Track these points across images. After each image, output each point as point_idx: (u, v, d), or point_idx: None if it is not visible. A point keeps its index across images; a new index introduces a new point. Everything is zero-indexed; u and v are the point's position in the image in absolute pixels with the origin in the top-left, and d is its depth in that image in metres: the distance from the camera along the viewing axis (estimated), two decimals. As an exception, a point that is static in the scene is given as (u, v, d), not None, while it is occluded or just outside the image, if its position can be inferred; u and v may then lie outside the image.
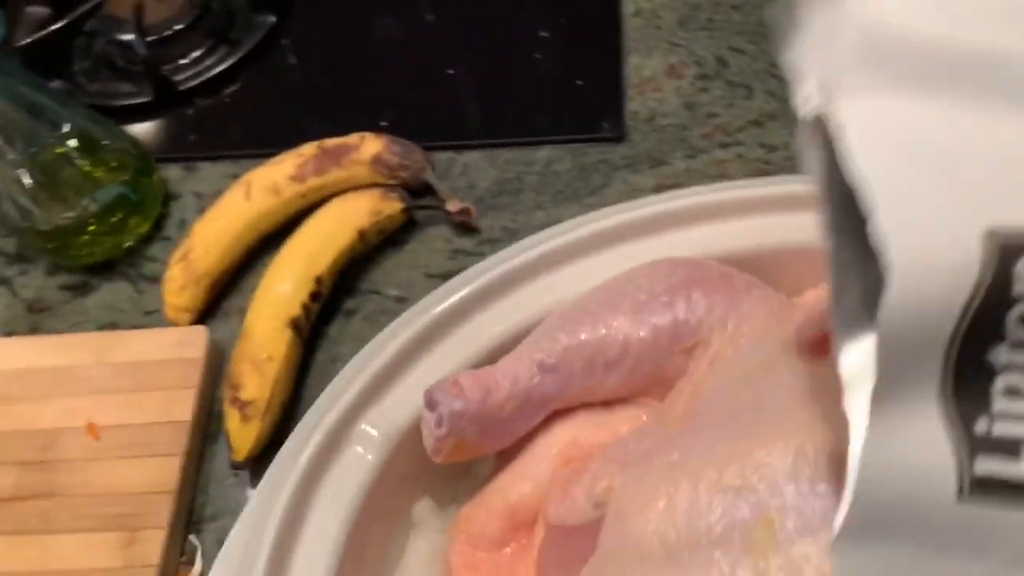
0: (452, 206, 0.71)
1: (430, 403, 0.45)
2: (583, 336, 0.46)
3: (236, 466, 0.63)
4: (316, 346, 0.68)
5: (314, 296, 0.67)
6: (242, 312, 0.68)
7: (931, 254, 0.23)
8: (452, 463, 0.49)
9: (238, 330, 0.67)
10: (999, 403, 0.24)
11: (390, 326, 0.51)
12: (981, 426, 0.24)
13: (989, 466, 0.24)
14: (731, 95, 0.75)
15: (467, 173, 0.75)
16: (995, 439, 0.24)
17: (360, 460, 0.45)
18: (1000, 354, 0.23)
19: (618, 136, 0.73)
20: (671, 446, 0.41)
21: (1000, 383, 0.24)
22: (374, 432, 0.47)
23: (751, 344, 0.44)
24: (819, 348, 0.42)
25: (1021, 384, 0.23)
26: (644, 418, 0.46)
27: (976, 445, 0.24)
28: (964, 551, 0.24)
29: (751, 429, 0.39)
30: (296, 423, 0.54)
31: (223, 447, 0.64)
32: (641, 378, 0.46)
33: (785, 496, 0.37)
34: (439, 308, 0.49)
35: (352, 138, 0.73)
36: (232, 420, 0.63)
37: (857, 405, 0.25)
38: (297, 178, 0.72)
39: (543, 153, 0.74)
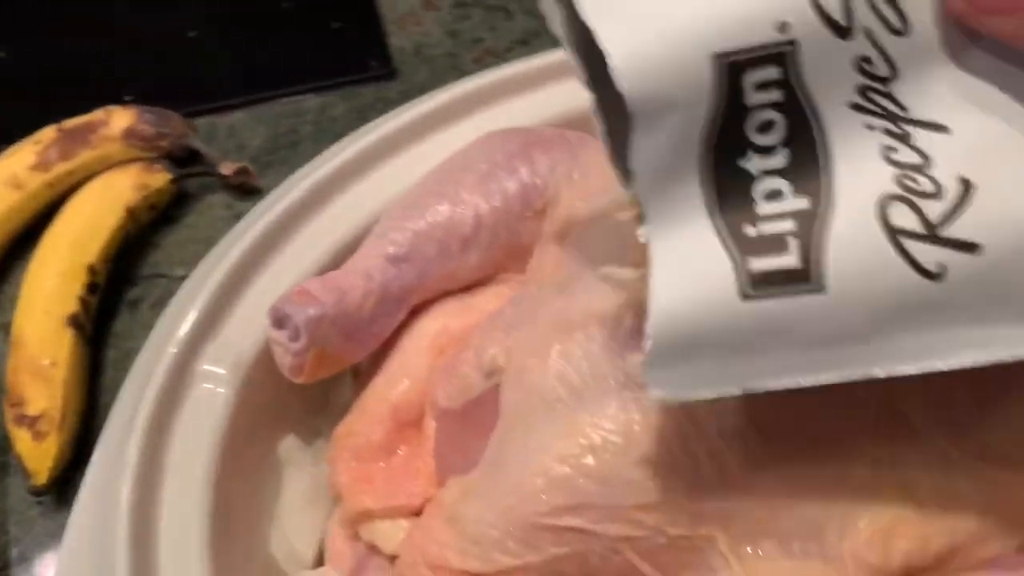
0: (226, 169, 0.65)
1: (279, 319, 0.40)
2: (431, 218, 0.43)
3: (37, 492, 0.54)
4: (104, 344, 0.60)
5: (91, 288, 0.59)
6: (3, 327, 0.59)
7: (665, 86, 0.25)
8: (310, 397, 0.45)
9: (1, 347, 0.58)
10: (762, 207, 0.26)
11: (208, 256, 0.45)
12: (749, 230, 0.26)
13: (762, 263, 0.26)
14: (491, 19, 0.75)
15: (235, 135, 0.69)
16: (763, 239, 0.26)
17: (211, 398, 0.39)
18: (752, 161, 0.26)
19: (388, 73, 0.71)
20: (552, 299, 0.39)
21: (759, 188, 0.26)
22: (219, 370, 0.41)
23: (600, 191, 0.43)
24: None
25: (778, 186, 0.26)
26: (509, 292, 0.43)
27: (747, 248, 0.26)
28: (761, 347, 0.26)
29: (629, 260, 0.38)
30: (97, 434, 0.46)
31: (15, 478, 0.55)
32: (499, 252, 0.44)
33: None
34: (259, 226, 0.44)
35: (97, 114, 0.65)
36: (22, 441, 0.54)
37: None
38: (40, 166, 0.63)
39: (314, 102, 0.70)
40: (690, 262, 0.26)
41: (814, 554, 0.34)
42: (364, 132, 0.48)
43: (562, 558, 0.35)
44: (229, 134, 0.69)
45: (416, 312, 0.44)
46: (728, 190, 0.26)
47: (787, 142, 0.26)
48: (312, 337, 0.39)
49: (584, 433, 0.35)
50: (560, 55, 0.47)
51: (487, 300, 0.43)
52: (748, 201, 0.26)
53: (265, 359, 0.42)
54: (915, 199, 0.26)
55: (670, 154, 0.26)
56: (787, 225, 0.26)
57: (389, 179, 0.47)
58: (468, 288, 0.44)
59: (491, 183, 0.43)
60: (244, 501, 0.40)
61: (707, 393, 0.27)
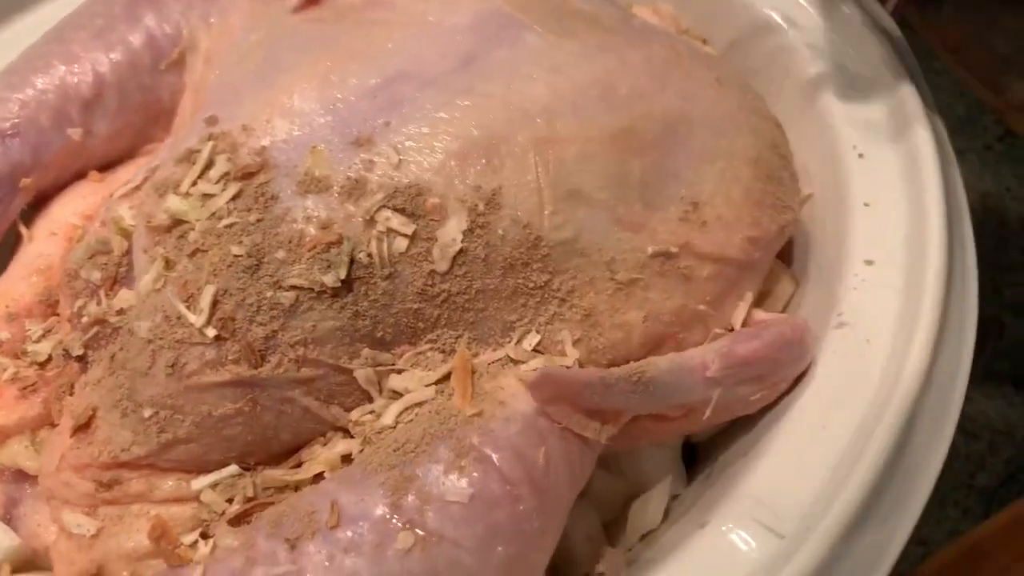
0: None
1: None
2: (40, 84, 0.36)
3: None
4: None
5: None
6: None
7: None
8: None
9: None
10: None
11: None
12: None
13: None
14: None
15: None
16: None
17: None
18: None
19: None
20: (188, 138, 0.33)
21: None
22: None
23: (244, 30, 0.37)
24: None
25: None
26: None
27: None
28: None
29: (271, 84, 0.33)
30: None
31: None
32: (135, 116, 0.38)
33: (328, 118, 0.32)
34: None
35: None
36: None
37: None
38: None
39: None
40: None
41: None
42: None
43: (228, 420, 0.30)
44: None
45: (46, 201, 0.37)
46: None
47: None
48: None
49: None
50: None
51: (128, 175, 0.37)
52: None
53: None
54: None
55: None
56: None
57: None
58: (109, 165, 0.38)
59: (110, 35, 0.37)
60: None
61: None
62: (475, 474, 0.28)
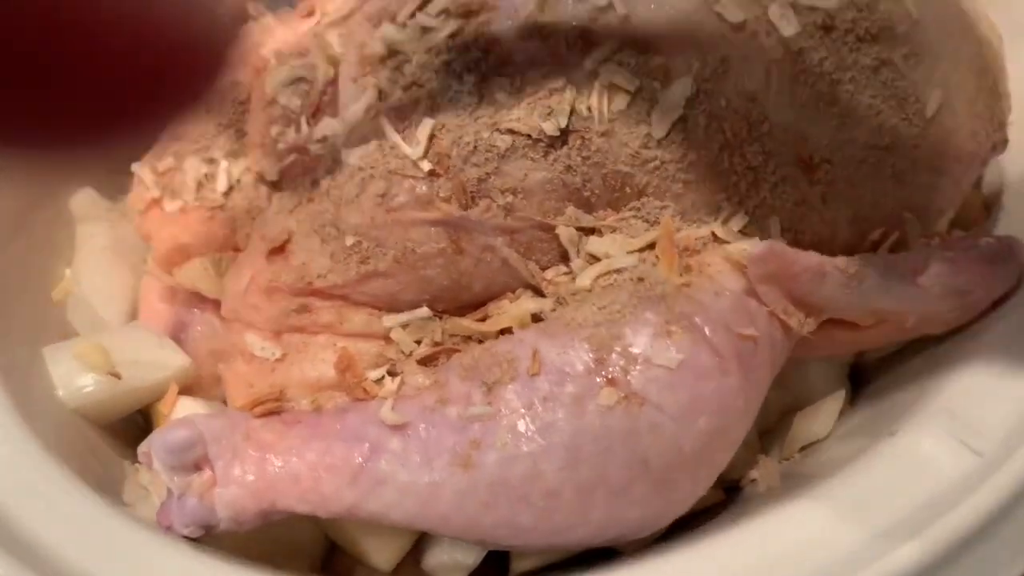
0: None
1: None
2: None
3: None
4: None
5: None
6: None
7: None
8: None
9: None
10: None
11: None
12: None
13: None
14: None
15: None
16: None
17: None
18: None
19: None
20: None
21: None
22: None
23: None
24: None
25: None
26: None
27: None
28: None
29: None
30: None
31: None
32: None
33: None
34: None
35: None
36: None
37: None
38: None
39: None
40: None
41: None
42: None
43: (429, 259, 0.29)
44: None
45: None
46: None
47: None
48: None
49: None
50: None
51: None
52: None
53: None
54: None
55: None
56: None
57: None
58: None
59: None
60: (28, 263, 0.32)
61: None
62: (685, 342, 0.27)
